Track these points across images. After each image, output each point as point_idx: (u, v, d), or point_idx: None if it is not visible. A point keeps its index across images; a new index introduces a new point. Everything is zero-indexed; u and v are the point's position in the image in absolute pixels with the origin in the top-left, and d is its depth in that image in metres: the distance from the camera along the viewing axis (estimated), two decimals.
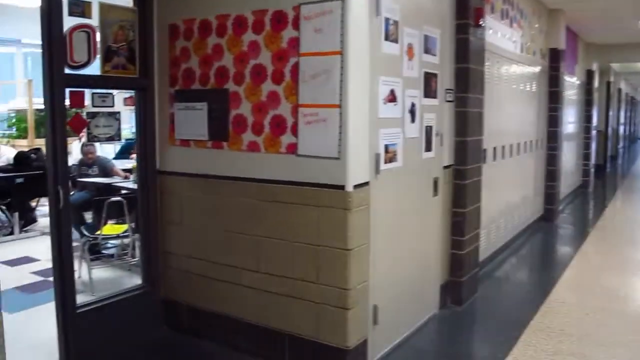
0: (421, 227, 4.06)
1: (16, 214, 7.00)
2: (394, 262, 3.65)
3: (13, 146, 9.33)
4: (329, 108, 3.07)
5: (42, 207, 7.97)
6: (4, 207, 7.38)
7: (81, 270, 5.22)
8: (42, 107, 3.33)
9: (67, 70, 3.33)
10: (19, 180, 7.03)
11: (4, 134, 10.27)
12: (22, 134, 9.67)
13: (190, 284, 3.90)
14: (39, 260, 5.97)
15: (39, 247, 6.40)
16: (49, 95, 3.26)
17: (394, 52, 3.47)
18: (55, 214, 3.41)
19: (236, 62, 3.46)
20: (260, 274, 3.49)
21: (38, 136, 9.59)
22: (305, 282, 3.28)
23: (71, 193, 7.60)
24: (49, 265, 3.57)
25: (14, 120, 10.14)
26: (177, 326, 4.02)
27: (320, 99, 3.11)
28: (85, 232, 5.15)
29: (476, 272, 4.83)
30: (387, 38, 3.36)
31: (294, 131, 3.22)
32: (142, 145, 3.93)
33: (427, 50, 3.89)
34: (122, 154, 8.63)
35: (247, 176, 3.48)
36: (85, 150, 6.57)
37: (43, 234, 7.20)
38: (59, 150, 3.34)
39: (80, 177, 6.51)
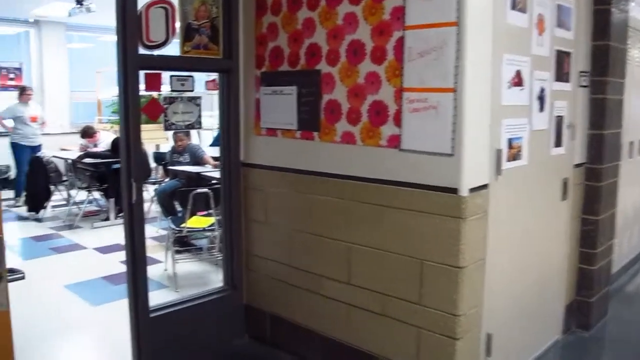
0: (545, 238, 3.38)
1: (112, 200, 6.94)
2: (512, 280, 3.03)
3: (115, 132, 9.42)
4: (440, 92, 2.51)
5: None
6: (101, 193, 7.38)
7: (167, 263, 4.99)
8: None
9: (141, 51, 2.98)
10: (116, 166, 6.95)
11: (109, 119, 10.42)
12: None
13: (273, 290, 3.48)
14: None
15: None
16: (122, 78, 2.93)
17: (522, 24, 2.83)
18: (128, 210, 3.09)
19: (330, 39, 2.96)
20: (350, 287, 2.99)
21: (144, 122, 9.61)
22: (404, 301, 2.75)
23: (164, 181, 7.54)
24: None
25: (117, 106, 10.26)
26: (259, 336, 3.62)
27: (430, 82, 2.55)
28: (172, 225, 4.87)
29: (607, 290, 4.08)
30: (513, 6, 2.73)
31: (397, 120, 2.69)
32: (226, 134, 3.54)
33: (560, 24, 3.20)
34: (218, 142, 8.44)
35: (339, 172, 2.99)
36: (176, 137, 6.35)
37: None
38: (132, 139, 3.01)
39: (172, 165, 6.31)
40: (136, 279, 3.12)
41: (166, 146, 8.08)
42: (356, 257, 2.95)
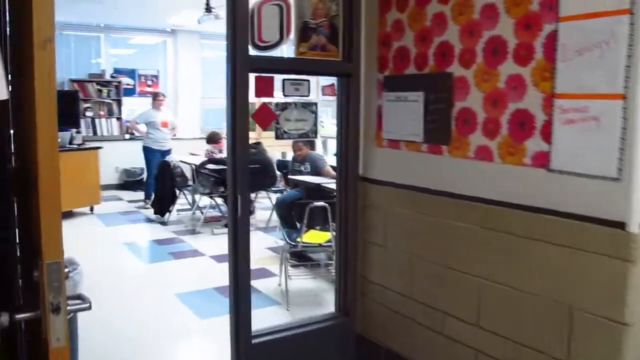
0: None
1: None
2: None
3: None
4: (605, 100, 2.00)
5: (262, 200, 7.86)
6: (223, 199, 7.38)
7: (281, 278, 4.76)
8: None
9: (252, 52, 2.72)
10: None
11: None
12: (252, 126, 9.81)
13: (390, 322, 3.08)
14: None
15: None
16: (231, 81, 2.69)
17: None
18: (233, 226, 2.85)
19: (463, 36, 2.53)
20: (479, 330, 2.53)
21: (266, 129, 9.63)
22: (545, 355, 2.24)
23: (283, 190, 7.40)
24: (254, 265, 3.16)
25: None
26: None
27: (592, 86, 2.04)
28: (287, 238, 4.63)
29: None
30: None
31: (546, 134, 2.20)
32: (343, 144, 3.20)
33: None
34: None
35: (471, 194, 2.54)
36: (294, 145, 6.14)
37: (257, 229, 7.02)
38: (238, 148, 2.75)
39: (293, 174, 6.11)
40: (238, 302, 2.87)
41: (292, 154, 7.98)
42: (488, 295, 2.48)
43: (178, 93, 10.79)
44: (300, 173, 6.01)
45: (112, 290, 4.65)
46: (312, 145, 6.12)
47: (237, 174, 2.77)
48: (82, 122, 9.75)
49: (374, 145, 3.12)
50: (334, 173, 5.60)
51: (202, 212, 7.63)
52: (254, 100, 3.47)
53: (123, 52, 10.59)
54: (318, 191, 5.39)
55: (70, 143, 8.02)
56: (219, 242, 6.39)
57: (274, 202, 7.67)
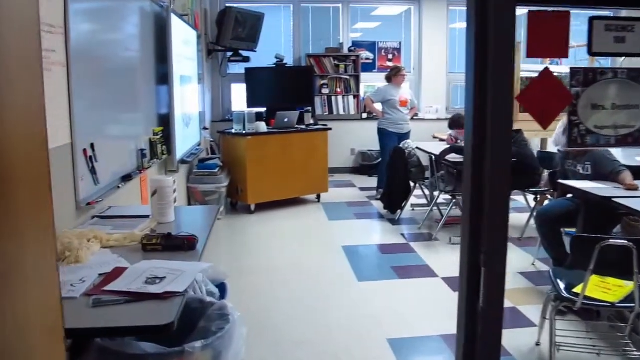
0: None
1: None
2: None
3: None
4: None
5: (516, 198, 6.23)
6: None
7: (541, 333, 3.23)
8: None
9: None
10: None
11: None
12: None
13: None
14: None
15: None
16: (474, 21, 1.29)
17: None
18: (469, 248, 1.48)
19: None
20: None
21: (524, 110, 7.84)
22: None
23: (544, 192, 5.68)
24: None
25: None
26: None
27: None
28: (555, 280, 3.06)
29: None
30: None
31: None
32: None
33: None
34: None
35: None
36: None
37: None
38: (493, 133, 1.35)
39: (564, 176, 4.41)
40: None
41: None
42: None
43: (422, 68, 9.51)
44: (575, 175, 4.29)
45: (303, 321, 3.61)
46: None
47: (487, 168, 1.37)
48: (318, 99, 9.06)
49: None
50: (632, 181, 3.81)
51: (441, 213, 6.29)
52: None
53: (363, 26, 9.60)
54: (603, 208, 3.67)
55: (300, 123, 7.28)
56: (456, 257, 4.99)
57: (532, 204, 5.99)
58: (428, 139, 8.57)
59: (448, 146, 5.65)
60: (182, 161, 5.07)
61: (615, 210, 3.95)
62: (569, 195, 4.49)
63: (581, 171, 4.26)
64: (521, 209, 6.51)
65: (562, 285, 2.99)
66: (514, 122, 6.92)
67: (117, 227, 2.64)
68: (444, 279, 4.42)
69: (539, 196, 5.86)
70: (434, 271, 4.59)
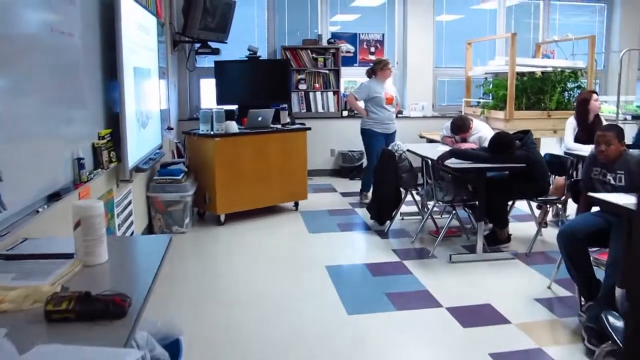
0: None
1: (481, 224, 4.72)
2: None
3: (486, 119, 7.20)
4: None
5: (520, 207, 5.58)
6: (468, 210, 5.27)
7: None
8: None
9: None
10: (493, 174, 4.72)
11: (478, 102, 8.28)
12: (499, 104, 7.46)
13: None
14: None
15: (501, 282, 4.03)
16: None
17: None
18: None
19: None
20: None
21: (519, 107, 7.21)
22: None
23: (556, 201, 5.02)
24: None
25: (490, 85, 8.04)
26: None
27: None
28: (618, 338, 2.36)
29: None
30: None
31: None
32: None
33: None
34: None
35: None
36: (599, 135, 3.73)
37: (515, 255, 4.78)
38: None
39: (590, 186, 3.73)
40: None
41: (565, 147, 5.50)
42: None
43: (406, 62, 8.81)
44: (604, 186, 3.62)
45: None
46: (620, 136, 3.64)
47: None
48: (295, 96, 8.30)
49: None
50: None
51: (435, 223, 5.60)
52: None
53: (342, 18, 8.85)
54: None
55: (275, 122, 6.51)
56: (461, 278, 4.30)
57: (536, 212, 5.35)
58: (415, 139, 7.90)
59: (447, 149, 4.95)
60: (137, 169, 4.29)
61: None
62: (595, 209, 3.83)
63: (612, 181, 3.59)
64: (521, 217, 5.86)
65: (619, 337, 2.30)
66: (509, 120, 6.30)
67: (24, 275, 1.88)
68: (449, 309, 3.71)
69: (549, 206, 5.22)
70: (437, 299, 3.88)
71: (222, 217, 5.75)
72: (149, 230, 5.37)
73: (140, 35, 4.39)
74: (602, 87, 9.32)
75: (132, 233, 4.50)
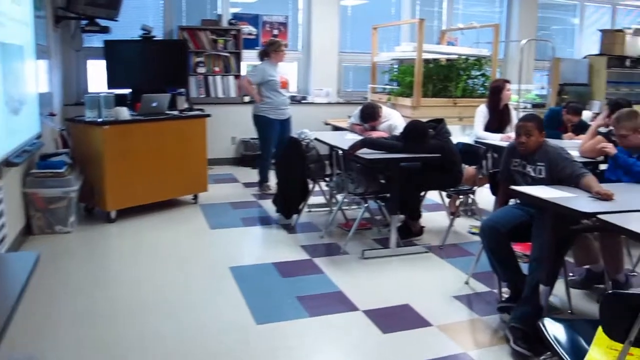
0: None
1: (395, 218, 4.48)
2: None
3: (393, 106, 7.02)
4: None
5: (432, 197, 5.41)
6: (381, 202, 5.02)
7: None
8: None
9: None
10: (407, 164, 4.48)
11: (384, 88, 8.12)
12: (406, 90, 7.31)
13: None
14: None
15: (430, 277, 3.82)
16: None
17: None
18: None
19: None
20: None
21: (425, 95, 7.09)
22: None
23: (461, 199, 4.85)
24: None
25: (396, 72, 7.89)
26: None
27: None
28: (565, 355, 2.14)
29: None
30: None
31: None
32: None
33: None
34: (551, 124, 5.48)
35: None
36: (519, 125, 3.56)
37: (429, 248, 4.60)
38: None
39: (510, 177, 3.56)
40: None
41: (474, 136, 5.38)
42: None
43: (311, 46, 8.48)
44: (525, 178, 3.47)
45: None
46: (541, 126, 3.48)
47: None
48: (193, 80, 7.74)
49: None
50: (611, 192, 3.01)
51: (345, 216, 5.34)
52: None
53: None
54: (563, 221, 2.86)
55: (171, 108, 5.97)
56: (376, 276, 4.04)
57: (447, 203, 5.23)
58: (320, 126, 7.63)
59: (357, 138, 4.67)
60: (8, 162, 3.67)
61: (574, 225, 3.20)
62: (513, 202, 3.69)
63: (532, 173, 3.44)
64: (431, 207, 5.73)
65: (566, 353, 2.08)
66: (416, 107, 6.12)
67: None
68: (366, 312, 3.42)
69: (461, 197, 5.09)
70: (352, 301, 3.59)
71: (113, 214, 5.17)
72: (27, 231, 4.71)
73: (7, 4, 3.75)
74: (503, 76, 9.46)
75: (3, 238, 3.86)
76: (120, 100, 5.76)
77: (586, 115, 7.04)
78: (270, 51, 6.25)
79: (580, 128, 5.53)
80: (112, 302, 3.53)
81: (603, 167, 4.59)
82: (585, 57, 9.63)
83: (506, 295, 3.48)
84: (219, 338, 3.08)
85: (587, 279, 3.89)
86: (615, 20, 10.75)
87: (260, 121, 6.30)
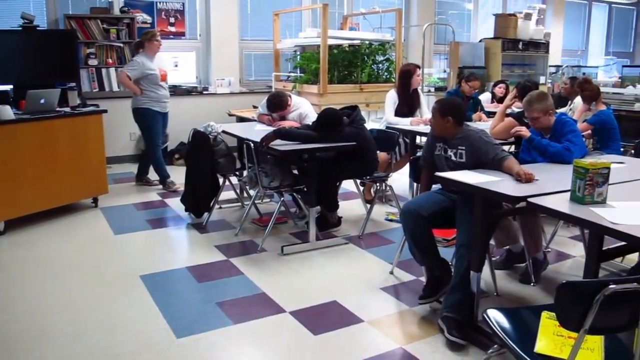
0: None
1: (313, 210, 4.31)
2: None
3: (299, 93, 6.84)
4: None
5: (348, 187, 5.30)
6: (297, 195, 4.82)
7: None
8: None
9: None
10: (322, 154, 4.32)
11: (288, 76, 7.92)
12: (311, 77, 7.16)
13: None
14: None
15: (344, 272, 3.68)
16: None
17: None
18: None
19: None
20: None
21: (331, 81, 6.97)
22: None
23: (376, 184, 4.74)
24: None
25: (299, 59, 7.71)
26: None
27: None
28: (514, 347, 2.04)
29: None
30: None
31: None
32: None
33: None
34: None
35: None
36: (435, 109, 3.48)
37: (347, 238, 4.49)
38: None
39: (432, 162, 3.48)
40: None
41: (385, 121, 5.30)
42: None
43: (210, 34, 8.11)
44: (447, 162, 3.40)
45: None
46: (444, 110, 3.39)
47: None
48: (84, 73, 7.17)
49: None
50: (532, 173, 2.98)
51: (258, 211, 5.13)
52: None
53: None
54: (487, 205, 2.82)
55: (62, 105, 5.46)
56: (299, 273, 3.85)
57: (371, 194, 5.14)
58: (223, 117, 7.32)
59: (271, 129, 4.45)
60: None
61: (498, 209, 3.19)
62: (436, 187, 3.62)
63: (453, 157, 3.37)
64: (345, 195, 5.62)
65: (515, 343, 1.99)
66: (323, 94, 5.98)
67: None
68: (294, 314, 3.24)
69: (378, 185, 5.01)
70: (277, 303, 3.39)
71: (1, 226, 4.64)
72: None
73: None
74: (407, 60, 9.54)
75: None
76: (1, 98, 5.20)
77: (485, 97, 7.21)
78: (144, 41, 5.91)
79: (475, 105, 5.66)
80: (6, 327, 3.11)
81: (512, 149, 4.66)
82: (481, 41, 9.90)
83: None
84: (135, 359, 2.78)
85: (507, 259, 3.92)
86: (507, 4, 11.15)
87: (143, 114, 5.97)
